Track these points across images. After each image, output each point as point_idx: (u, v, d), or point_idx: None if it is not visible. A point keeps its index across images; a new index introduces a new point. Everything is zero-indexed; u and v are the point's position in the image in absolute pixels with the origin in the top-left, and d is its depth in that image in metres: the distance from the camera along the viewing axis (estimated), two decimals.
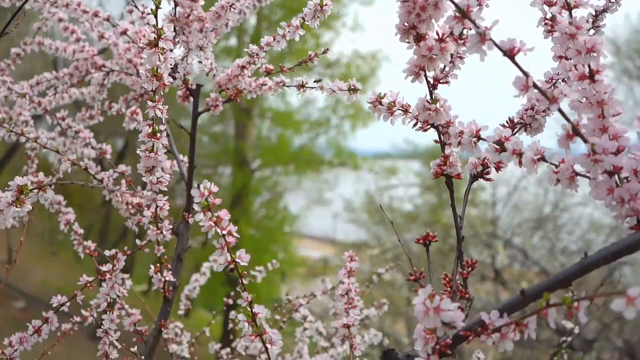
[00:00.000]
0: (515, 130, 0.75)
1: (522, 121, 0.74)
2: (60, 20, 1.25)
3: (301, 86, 1.03)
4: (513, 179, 7.46)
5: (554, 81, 0.75)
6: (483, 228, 7.28)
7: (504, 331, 0.55)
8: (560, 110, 0.56)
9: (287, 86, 1.04)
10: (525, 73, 0.55)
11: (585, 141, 0.56)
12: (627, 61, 9.58)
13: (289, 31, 0.97)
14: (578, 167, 0.59)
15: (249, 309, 0.70)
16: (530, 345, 6.43)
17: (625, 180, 0.57)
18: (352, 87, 0.92)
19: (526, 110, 0.74)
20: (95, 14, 1.15)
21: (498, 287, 6.86)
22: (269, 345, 0.70)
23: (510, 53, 0.55)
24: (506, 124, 0.75)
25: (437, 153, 0.75)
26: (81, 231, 1.17)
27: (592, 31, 0.77)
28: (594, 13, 0.77)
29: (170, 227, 0.97)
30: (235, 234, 0.68)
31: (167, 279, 1.04)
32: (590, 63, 0.58)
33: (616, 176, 0.57)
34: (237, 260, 0.69)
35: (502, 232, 7.21)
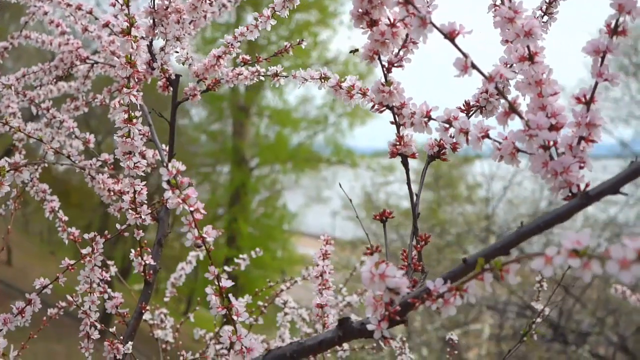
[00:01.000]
0: (471, 112, 0.78)
1: (477, 104, 0.78)
2: (45, 13, 1.29)
3: (275, 75, 1.07)
4: (508, 175, 7.51)
5: (508, 65, 0.78)
6: (479, 224, 7.32)
7: (447, 297, 0.59)
8: (497, 89, 0.60)
9: (263, 75, 1.08)
10: (464, 54, 0.59)
11: (522, 118, 0.59)
12: (623, 57, 9.62)
13: (261, 21, 1.01)
14: (519, 144, 0.63)
15: (217, 283, 0.74)
16: (525, 341, 6.47)
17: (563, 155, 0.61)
18: (322, 76, 0.95)
19: (481, 93, 0.78)
20: (79, 7, 1.18)
21: (493, 282, 6.89)
22: (235, 317, 0.74)
23: (450, 36, 0.59)
24: (462, 107, 0.78)
25: None
26: (66, 218, 1.20)
27: (545, 17, 0.81)
28: (547, 0, 0.81)
29: (149, 211, 1.01)
30: (203, 211, 0.72)
31: (147, 262, 1.07)
32: (529, 45, 0.62)
33: (554, 151, 0.61)
34: (204, 235, 0.72)
35: (498, 228, 7.24)
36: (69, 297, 1.24)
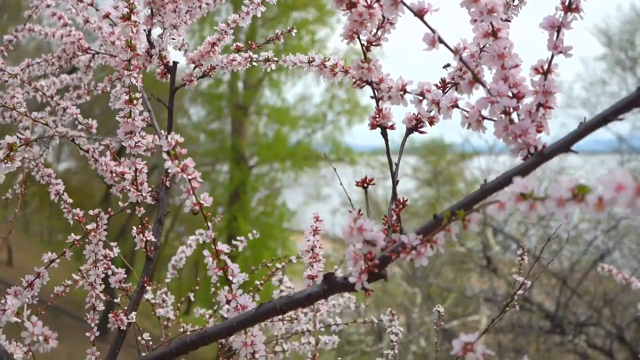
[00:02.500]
0: (447, 89, 0.84)
1: (452, 81, 0.84)
2: (48, 6, 1.35)
3: (267, 60, 1.13)
4: (505, 168, 7.58)
5: (480, 45, 0.85)
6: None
7: (419, 248, 0.65)
8: (462, 61, 0.66)
9: (255, 61, 1.15)
10: (432, 30, 0.65)
11: (484, 86, 0.66)
12: (620, 52, 9.69)
13: (251, 8, 1.08)
14: (485, 112, 0.70)
15: (213, 246, 0.81)
16: (522, 333, 6.55)
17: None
18: (310, 59, 1.02)
19: (456, 71, 0.84)
20: (80, 0, 1.25)
21: (492, 277, 6.98)
22: (230, 278, 0.80)
23: (420, 13, 0.65)
24: (439, 84, 0.85)
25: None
26: (70, 200, 1.26)
27: (516, 1, 0.88)
28: None
29: (149, 189, 1.07)
30: (200, 180, 0.78)
31: (148, 239, 1.14)
32: (492, 22, 0.68)
33: (515, 117, 0.68)
34: (201, 202, 0.79)
35: (497, 223, 7.33)
36: (75, 276, 1.31)
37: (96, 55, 1.40)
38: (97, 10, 1.27)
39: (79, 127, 1.30)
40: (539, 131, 0.66)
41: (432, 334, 6.07)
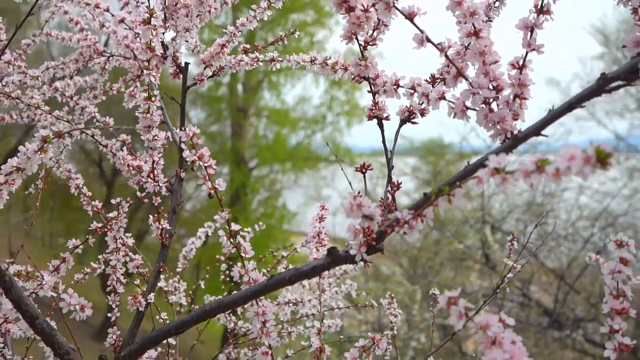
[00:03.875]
0: (436, 83, 0.94)
1: (440, 76, 0.93)
2: (66, 12, 1.44)
3: (272, 60, 1.22)
4: None
5: (465, 44, 0.94)
6: (475, 215, 7.48)
7: (411, 222, 0.74)
8: (447, 57, 0.75)
9: (261, 61, 1.24)
10: (421, 31, 0.74)
11: (467, 79, 0.75)
12: (617, 51, 9.78)
13: (259, 12, 1.17)
14: (468, 103, 0.79)
15: (227, 227, 0.90)
16: (521, 329, 6.63)
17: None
18: (313, 58, 1.11)
19: (444, 67, 0.93)
20: (97, 6, 1.34)
21: (491, 274, 7.07)
22: (243, 254, 0.90)
23: (410, 16, 0.74)
24: (428, 79, 0.94)
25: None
26: (89, 193, 1.35)
27: (497, 3, 0.97)
28: None
29: (166, 180, 1.17)
30: (215, 167, 0.87)
31: (164, 227, 1.23)
32: (474, 23, 0.77)
33: (495, 106, 0.77)
34: (216, 186, 0.88)
35: (495, 221, 7.41)
36: (93, 264, 1.39)
37: (111, 58, 1.49)
38: (112, 15, 1.37)
39: (97, 124, 1.39)
40: (515, 119, 0.75)
41: (432, 331, 6.15)
